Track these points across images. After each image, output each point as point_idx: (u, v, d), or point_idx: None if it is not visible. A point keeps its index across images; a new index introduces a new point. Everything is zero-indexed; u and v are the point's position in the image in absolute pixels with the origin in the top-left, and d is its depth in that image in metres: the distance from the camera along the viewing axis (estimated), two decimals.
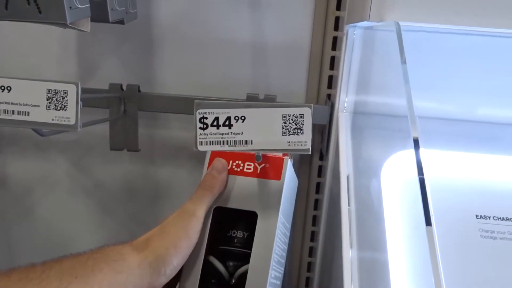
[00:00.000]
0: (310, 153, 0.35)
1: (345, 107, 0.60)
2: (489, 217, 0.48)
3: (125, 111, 0.60)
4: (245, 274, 0.39)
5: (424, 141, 0.47)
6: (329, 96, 0.64)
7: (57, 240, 0.78)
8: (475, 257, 0.44)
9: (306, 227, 0.73)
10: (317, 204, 0.71)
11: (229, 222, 0.42)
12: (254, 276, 0.38)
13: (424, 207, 0.38)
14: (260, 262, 0.38)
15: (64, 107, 0.35)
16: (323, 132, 0.64)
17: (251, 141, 0.35)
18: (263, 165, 0.41)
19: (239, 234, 0.42)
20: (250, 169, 0.41)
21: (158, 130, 0.70)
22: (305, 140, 0.35)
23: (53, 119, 0.35)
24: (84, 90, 0.63)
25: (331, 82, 0.64)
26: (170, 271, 0.35)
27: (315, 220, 0.72)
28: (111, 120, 0.59)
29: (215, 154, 0.42)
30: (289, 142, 0.35)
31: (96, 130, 0.70)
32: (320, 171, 0.69)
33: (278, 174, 0.40)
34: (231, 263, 0.41)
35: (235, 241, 0.42)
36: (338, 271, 0.52)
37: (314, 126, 0.67)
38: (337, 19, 0.61)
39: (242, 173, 0.41)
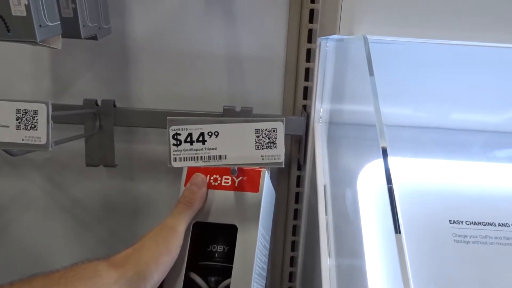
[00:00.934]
0: (283, 166, 0.36)
1: (320, 118, 0.61)
2: (462, 222, 0.49)
3: (101, 127, 0.60)
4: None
5: (398, 149, 0.48)
6: (305, 107, 0.65)
7: (33, 260, 0.76)
8: (449, 261, 0.45)
9: (286, 237, 0.73)
10: (296, 214, 0.71)
11: (208, 237, 0.43)
12: None
13: (393, 215, 0.38)
14: (242, 276, 0.38)
15: (35, 126, 0.35)
16: (300, 143, 0.65)
17: (225, 156, 0.35)
18: (240, 178, 0.41)
19: (219, 248, 0.42)
20: (228, 182, 0.41)
21: (135, 145, 0.69)
22: (278, 154, 0.35)
23: (23, 139, 0.35)
24: (58, 107, 0.63)
25: (307, 93, 0.65)
26: (150, 287, 0.35)
27: (295, 230, 0.73)
28: (86, 136, 0.59)
29: (192, 170, 0.42)
30: (262, 156, 0.35)
31: (71, 147, 0.69)
32: (299, 181, 0.69)
33: (255, 186, 0.41)
34: (212, 278, 0.42)
35: (216, 255, 0.42)
36: (318, 279, 0.53)
37: (291, 137, 0.68)
38: (310, 32, 0.62)
39: (220, 187, 0.41)
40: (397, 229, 0.36)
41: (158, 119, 0.60)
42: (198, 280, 0.41)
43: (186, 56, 0.65)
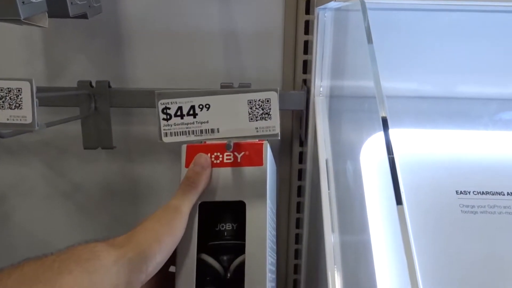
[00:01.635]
0: (279, 138, 0.34)
1: (320, 92, 0.60)
2: (469, 192, 0.47)
3: (96, 108, 0.59)
4: (240, 266, 0.39)
5: (401, 120, 0.46)
6: (305, 81, 0.63)
7: (37, 247, 0.76)
8: (456, 232, 0.44)
9: (290, 214, 0.72)
10: (300, 191, 0.70)
11: (215, 216, 0.41)
12: (252, 266, 0.37)
13: (395, 186, 0.37)
14: (256, 251, 0.38)
15: (19, 105, 0.34)
16: (301, 118, 0.63)
17: (218, 129, 0.34)
18: (242, 153, 0.40)
19: (228, 226, 0.41)
20: (230, 159, 0.40)
21: (133, 127, 0.68)
22: (273, 125, 0.34)
23: (8, 119, 0.34)
24: (52, 90, 0.62)
25: (306, 66, 0.63)
26: (152, 268, 0.33)
27: (299, 207, 0.72)
28: (82, 118, 0.57)
29: (191, 149, 0.40)
30: (257, 128, 0.34)
31: (69, 131, 0.68)
32: (301, 158, 0.68)
33: (259, 159, 0.39)
34: (224, 257, 0.41)
35: (225, 234, 0.41)
36: (323, 255, 0.52)
37: (292, 112, 0.66)
38: (308, 2, 0.59)
39: (222, 164, 0.40)
40: (398, 200, 0.34)
41: (154, 99, 0.59)
42: (211, 260, 0.40)
43: (181, 35, 0.63)
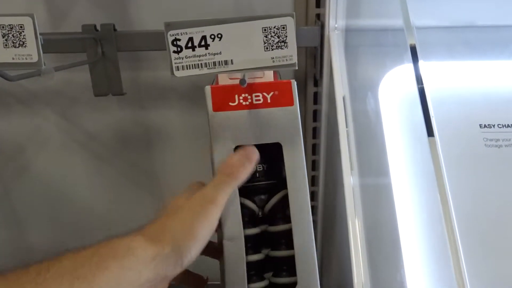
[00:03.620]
0: (297, 67, 0.32)
1: (336, 26, 0.56)
2: (493, 126, 0.46)
3: (103, 53, 0.57)
4: (276, 204, 0.40)
5: (423, 53, 0.44)
6: (318, 16, 0.60)
7: (56, 194, 0.77)
8: (480, 167, 0.43)
9: (306, 156, 0.71)
10: (315, 132, 0.69)
11: None
12: (296, 203, 0.38)
13: (425, 117, 0.35)
14: (298, 190, 0.38)
15: (23, 43, 0.32)
16: (315, 56, 0.61)
17: (232, 60, 0.32)
18: (272, 93, 0.38)
19: (259, 167, 0.41)
20: (259, 100, 0.38)
21: (142, 72, 0.66)
22: (290, 54, 0.32)
23: (13, 58, 0.32)
24: (56, 34, 0.60)
25: (319, 0, 0.59)
26: (187, 262, 0.32)
27: (314, 149, 0.71)
28: (89, 63, 0.56)
29: (216, 90, 0.38)
30: (273, 58, 0.32)
31: (78, 78, 0.67)
32: (316, 98, 0.66)
33: (289, 99, 0.38)
34: (258, 198, 0.41)
35: (257, 175, 0.41)
36: (341, 197, 0.51)
37: (305, 50, 0.64)
38: None
39: (252, 105, 0.38)
40: (430, 132, 0.33)
41: (162, 41, 0.56)
42: (248, 202, 0.40)
43: None
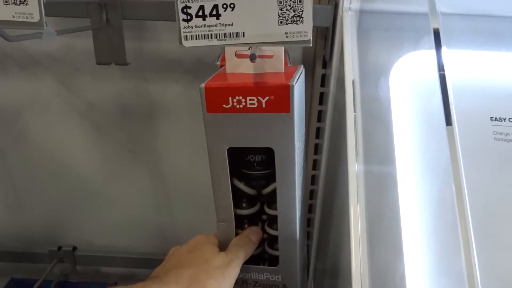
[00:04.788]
0: (310, 44, 0.31)
1: (350, 7, 0.54)
2: (504, 119, 0.44)
3: (108, 20, 0.55)
4: (272, 191, 0.43)
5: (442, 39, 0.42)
6: None
7: (53, 163, 0.76)
8: (488, 161, 0.42)
9: (309, 139, 0.70)
10: (320, 116, 0.68)
11: (245, 149, 0.43)
12: (283, 199, 0.42)
13: (445, 105, 0.34)
14: (286, 195, 0.42)
15: (24, 1, 0.30)
16: (326, 36, 0.59)
17: (243, 33, 0.30)
18: (267, 97, 0.36)
19: (258, 158, 0.43)
20: (253, 104, 0.37)
21: (146, 43, 0.64)
22: (305, 30, 0.30)
23: (13, 16, 0.31)
24: None
25: None
26: None
27: (318, 132, 0.69)
28: (93, 29, 0.54)
29: (210, 92, 0.37)
30: (286, 33, 0.30)
31: (80, 46, 0.65)
32: (324, 80, 0.64)
33: (286, 105, 0.36)
34: (259, 182, 0.45)
35: (255, 165, 0.43)
36: (343, 182, 0.50)
37: (316, 30, 0.62)
38: None
39: (245, 109, 0.37)
40: (448, 121, 0.32)
41: (170, 11, 0.55)
42: (246, 189, 0.44)
43: None
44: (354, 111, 0.49)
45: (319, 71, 0.64)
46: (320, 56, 0.63)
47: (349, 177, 0.46)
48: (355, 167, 0.46)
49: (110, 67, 0.60)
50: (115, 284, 0.83)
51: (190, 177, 0.75)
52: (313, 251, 0.70)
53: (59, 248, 0.80)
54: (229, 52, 0.41)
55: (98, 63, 0.58)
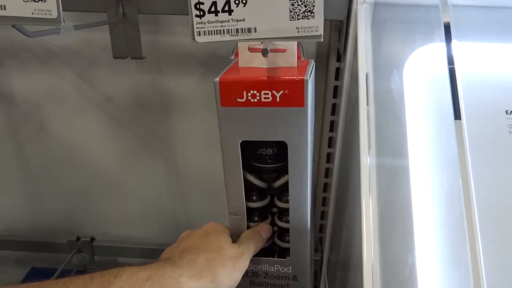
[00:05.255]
0: (322, 40, 0.31)
1: None
2: None
3: (124, 14, 0.56)
4: (283, 184, 0.44)
5: (452, 32, 0.41)
6: None
7: (70, 155, 0.78)
8: (502, 155, 0.41)
9: (323, 133, 0.71)
10: (334, 109, 0.68)
11: (256, 142, 0.43)
12: (295, 192, 0.43)
13: (454, 99, 0.34)
14: (299, 188, 0.42)
15: None
16: (341, 30, 0.59)
17: (255, 28, 0.31)
18: (281, 91, 0.37)
19: (269, 151, 0.43)
20: (268, 98, 0.37)
21: (162, 36, 0.65)
22: (316, 25, 0.31)
23: (32, 13, 0.32)
24: None
25: None
26: None
27: (332, 126, 0.69)
28: (109, 23, 0.55)
29: (224, 85, 0.37)
30: (298, 28, 0.31)
31: (97, 40, 0.66)
32: (338, 74, 0.64)
33: (300, 99, 0.37)
34: (270, 175, 0.45)
35: (267, 158, 0.44)
36: (356, 175, 0.50)
37: (330, 23, 0.61)
38: None
39: (260, 103, 0.37)
40: (457, 114, 0.32)
41: (185, 5, 0.55)
42: (257, 181, 0.45)
43: None
44: (367, 105, 0.49)
45: (333, 64, 0.64)
46: (334, 49, 0.63)
47: (361, 169, 0.46)
48: (367, 160, 0.46)
49: (126, 61, 0.61)
50: None
51: (204, 170, 0.76)
52: (327, 244, 0.70)
53: (78, 238, 0.83)
54: (242, 46, 0.41)
55: (114, 57, 0.59)
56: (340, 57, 0.63)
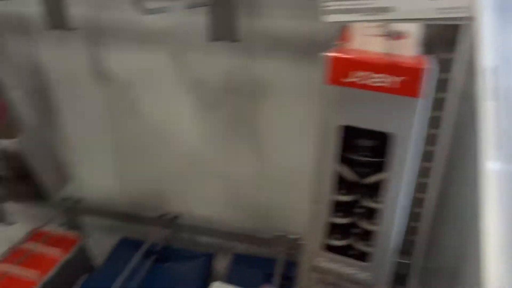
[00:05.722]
0: (469, 22, 0.27)
1: None
2: None
3: None
4: (377, 182, 0.41)
5: None
6: None
7: (162, 134, 0.80)
8: None
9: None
10: (439, 104, 0.62)
11: (354, 132, 0.40)
12: (390, 188, 0.39)
13: None
14: (395, 180, 0.39)
15: None
16: None
17: (392, 8, 0.27)
18: (397, 78, 0.34)
19: (368, 143, 0.41)
20: (382, 82, 0.35)
21: (258, 20, 0.63)
22: (460, 5, 0.27)
23: None
24: None
25: None
26: None
27: (433, 122, 0.63)
28: (209, 5, 0.54)
29: (337, 61, 0.35)
30: (439, 8, 0.27)
31: (192, 23, 0.66)
32: (446, 65, 0.58)
33: (415, 89, 0.34)
34: (363, 169, 0.42)
35: (363, 150, 0.41)
36: (470, 179, 0.45)
37: None
38: None
39: (371, 87, 0.35)
40: None
41: None
42: (346, 172, 0.42)
43: None
44: (492, 101, 0.43)
45: (441, 54, 0.58)
46: (443, 36, 0.57)
47: (482, 176, 0.41)
48: (490, 165, 0.41)
49: (219, 44, 0.60)
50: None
51: (291, 159, 0.74)
52: (420, 248, 0.65)
53: (163, 215, 0.85)
54: (358, 29, 0.38)
55: (211, 40, 0.58)
56: (449, 46, 0.57)
